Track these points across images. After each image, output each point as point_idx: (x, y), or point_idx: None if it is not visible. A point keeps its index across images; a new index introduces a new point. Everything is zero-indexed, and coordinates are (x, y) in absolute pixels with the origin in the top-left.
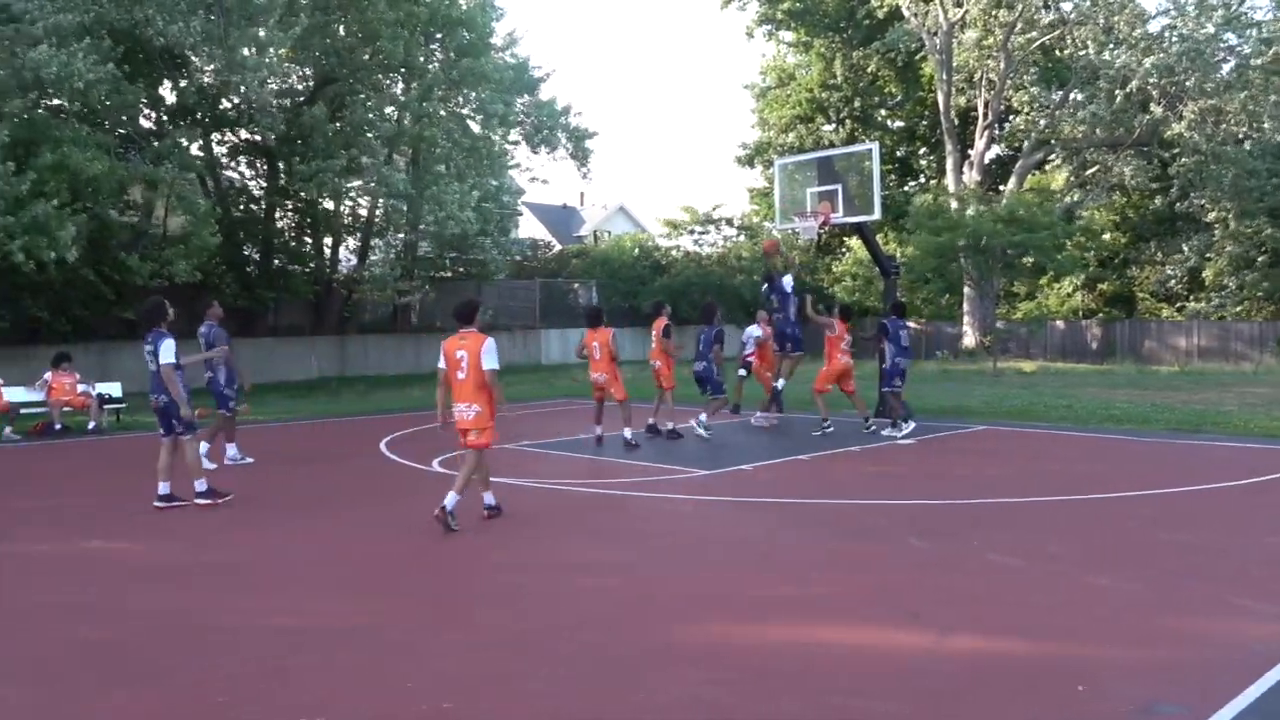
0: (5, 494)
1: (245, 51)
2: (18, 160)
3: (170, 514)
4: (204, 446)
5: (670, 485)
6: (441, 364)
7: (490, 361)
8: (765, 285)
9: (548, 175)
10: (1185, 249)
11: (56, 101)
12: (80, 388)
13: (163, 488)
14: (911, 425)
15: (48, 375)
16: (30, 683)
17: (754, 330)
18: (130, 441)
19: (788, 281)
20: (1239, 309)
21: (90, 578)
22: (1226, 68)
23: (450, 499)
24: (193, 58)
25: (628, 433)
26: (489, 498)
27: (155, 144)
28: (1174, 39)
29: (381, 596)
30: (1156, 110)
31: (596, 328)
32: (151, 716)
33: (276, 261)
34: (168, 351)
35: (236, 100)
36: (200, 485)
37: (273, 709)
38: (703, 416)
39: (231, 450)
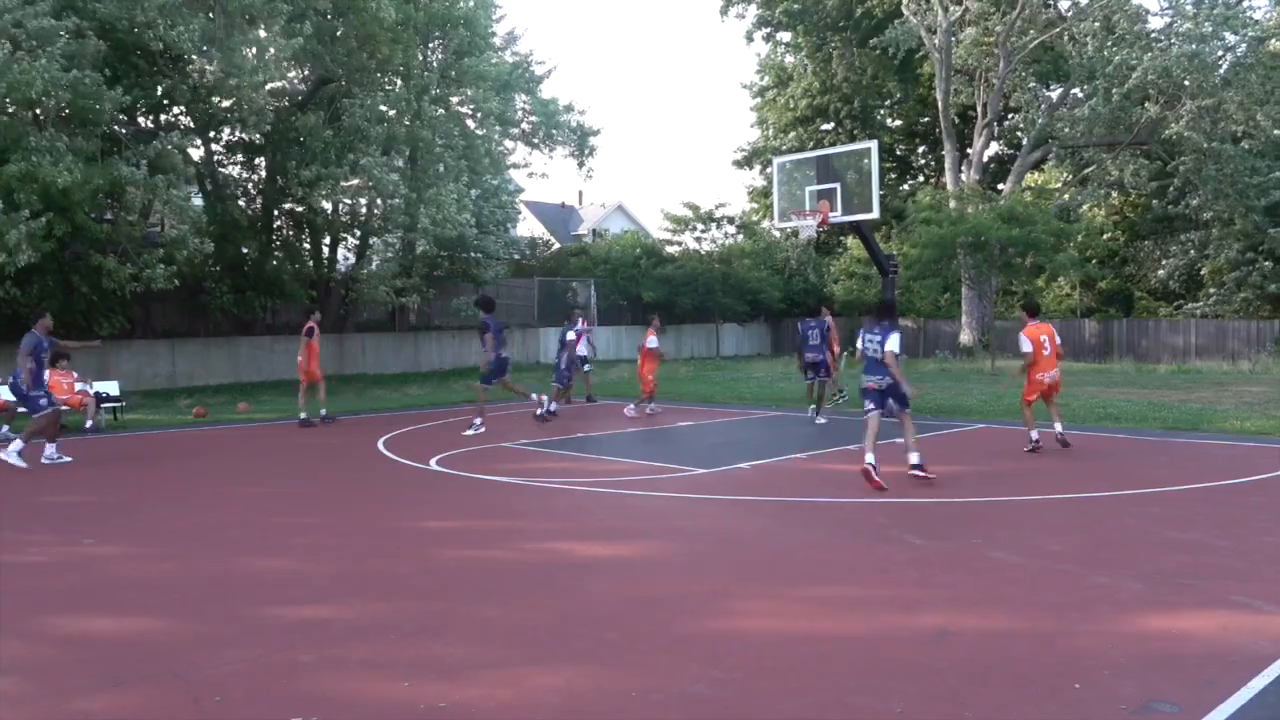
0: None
1: (246, 52)
2: None
3: (160, 512)
4: (19, 445)
5: (669, 484)
6: (1028, 347)
7: (1026, 345)
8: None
9: (546, 171)
10: (1183, 248)
11: (34, 109)
12: (78, 387)
13: (913, 458)
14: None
15: (45, 374)
16: (25, 678)
17: (579, 327)
18: (127, 440)
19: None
20: (1236, 308)
21: (85, 576)
22: (1224, 66)
23: (914, 456)
24: (193, 57)
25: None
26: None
27: (144, 146)
28: (1173, 38)
29: (380, 595)
30: (1153, 109)
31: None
32: (140, 714)
33: (274, 261)
34: (894, 341)
35: (229, 103)
36: (914, 458)
37: (267, 707)
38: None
39: (50, 450)
